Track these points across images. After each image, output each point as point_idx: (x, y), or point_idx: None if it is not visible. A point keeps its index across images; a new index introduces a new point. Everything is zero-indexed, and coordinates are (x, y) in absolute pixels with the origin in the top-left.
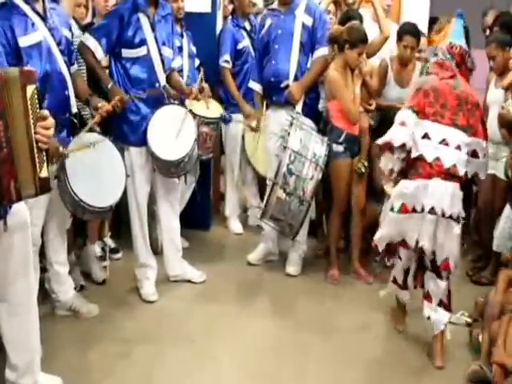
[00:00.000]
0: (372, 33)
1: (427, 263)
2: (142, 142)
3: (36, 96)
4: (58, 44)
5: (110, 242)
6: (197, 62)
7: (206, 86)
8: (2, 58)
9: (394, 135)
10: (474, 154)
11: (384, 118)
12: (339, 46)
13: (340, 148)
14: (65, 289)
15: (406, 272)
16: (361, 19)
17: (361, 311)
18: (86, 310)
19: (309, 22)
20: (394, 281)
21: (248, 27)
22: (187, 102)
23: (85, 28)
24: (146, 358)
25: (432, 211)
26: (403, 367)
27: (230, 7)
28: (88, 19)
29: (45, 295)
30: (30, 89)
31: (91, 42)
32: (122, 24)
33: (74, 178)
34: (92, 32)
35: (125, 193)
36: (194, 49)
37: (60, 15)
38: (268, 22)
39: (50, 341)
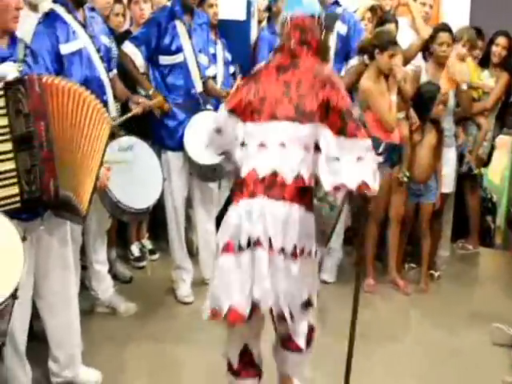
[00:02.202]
0: (409, 41)
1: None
2: (179, 146)
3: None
4: (98, 51)
5: (148, 244)
6: (231, 69)
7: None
8: (46, 63)
9: None
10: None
11: None
12: (370, 55)
13: (379, 159)
14: (104, 287)
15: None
16: (396, 24)
17: (394, 322)
18: (123, 309)
19: (343, 30)
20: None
21: None
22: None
23: (122, 36)
24: (180, 359)
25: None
26: (433, 379)
27: (266, 14)
28: (125, 27)
29: (85, 292)
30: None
31: (131, 49)
32: (160, 31)
33: (112, 180)
34: (132, 40)
35: (162, 196)
36: (228, 56)
37: (99, 23)
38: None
39: (90, 336)
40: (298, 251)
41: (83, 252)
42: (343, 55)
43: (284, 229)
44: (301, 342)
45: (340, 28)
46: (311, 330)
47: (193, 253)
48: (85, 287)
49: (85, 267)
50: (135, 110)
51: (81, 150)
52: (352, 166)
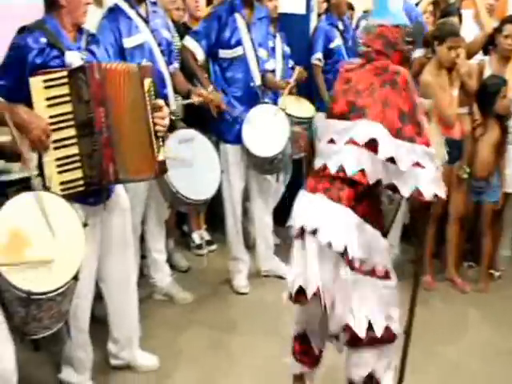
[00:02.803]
0: (473, 34)
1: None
2: (237, 139)
3: (152, 88)
4: (159, 45)
5: (206, 235)
6: (290, 62)
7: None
8: (109, 56)
9: None
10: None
11: None
12: (431, 48)
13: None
14: (162, 275)
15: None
16: (460, 16)
17: (451, 321)
18: (180, 297)
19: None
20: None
21: (341, 27)
22: (280, 101)
23: (180, 30)
24: (234, 348)
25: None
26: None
27: (325, 5)
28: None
29: (144, 280)
30: (147, 82)
31: (192, 43)
32: (220, 25)
33: (171, 170)
34: (192, 34)
35: (220, 188)
36: (287, 49)
37: (160, 17)
38: (362, 23)
39: (148, 323)
40: (350, 257)
41: (143, 241)
42: None
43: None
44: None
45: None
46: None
47: (249, 245)
48: (143, 275)
49: (144, 256)
50: (195, 98)
51: (135, 130)
52: (407, 170)
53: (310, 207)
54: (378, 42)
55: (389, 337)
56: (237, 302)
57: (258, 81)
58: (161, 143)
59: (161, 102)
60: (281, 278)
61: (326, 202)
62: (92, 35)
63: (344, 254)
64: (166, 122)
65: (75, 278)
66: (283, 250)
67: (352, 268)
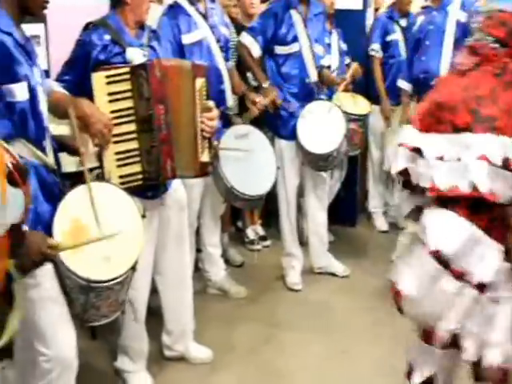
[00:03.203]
0: None
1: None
2: (292, 135)
3: (204, 88)
4: (217, 41)
5: (260, 230)
6: (346, 59)
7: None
8: (168, 53)
9: None
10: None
11: None
12: None
13: None
14: (216, 269)
15: None
16: None
17: None
18: (234, 291)
19: (464, 18)
20: None
21: (403, 23)
22: (335, 98)
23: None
24: (286, 346)
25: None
26: None
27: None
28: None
29: (199, 274)
30: (200, 81)
31: (248, 40)
32: (276, 21)
33: (227, 166)
34: (249, 30)
35: (275, 184)
36: (343, 46)
37: (219, 14)
38: (420, 18)
39: (201, 316)
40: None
41: (198, 235)
42: (463, 43)
43: None
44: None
45: (460, 16)
46: None
47: (303, 241)
48: (198, 269)
49: (199, 250)
50: (252, 111)
51: (185, 128)
52: None
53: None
54: (499, 29)
55: None
56: (289, 299)
57: (313, 77)
58: (206, 144)
59: (211, 103)
60: (334, 275)
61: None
62: (153, 31)
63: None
64: (215, 123)
65: (133, 268)
66: (337, 247)
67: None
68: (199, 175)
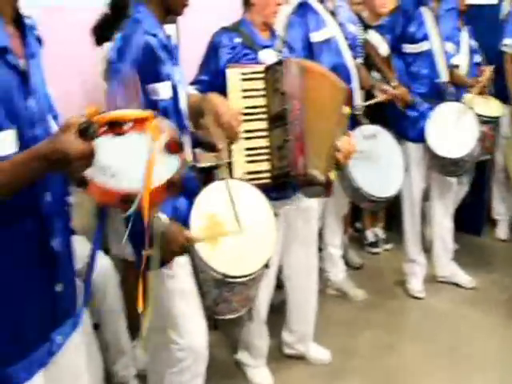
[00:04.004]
0: None
1: None
2: (420, 137)
3: (347, 115)
4: (346, 39)
5: (381, 233)
6: (477, 58)
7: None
8: (297, 51)
9: None
10: None
11: None
12: None
13: None
14: (336, 270)
15: None
16: None
17: None
18: (353, 294)
19: None
20: None
21: None
22: (466, 99)
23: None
24: (406, 355)
25: None
26: None
27: None
28: None
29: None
30: (346, 108)
31: (376, 37)
32: (406, 19)
33: (354, 166)
34: (377, 28)
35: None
36: (474, 44)
37: (346, 11)
38: None
39: (320, 316)
40: None
41: (320, 235)
42: None
43: None
44: None
45: None
46: None
47: (426, 247)
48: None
49: (319, 249)
50: (380, 96)
51: (325, 131)
52: None
53: None
54: None
55: None
56: (410, 306)
57: (444, 77)
58: (334, 163)
59: (351, 132)
60: (458, 285)
61: None
62: (285, 42)
63: None
64: (351, 150)
65: (266, 265)
66: (462, 256)
67: None
68: (325, 190)
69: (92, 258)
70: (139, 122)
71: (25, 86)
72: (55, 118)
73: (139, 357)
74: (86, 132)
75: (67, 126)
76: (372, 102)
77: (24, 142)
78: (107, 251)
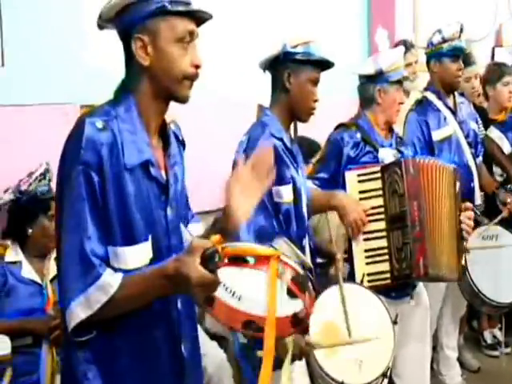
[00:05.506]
0: None
1: None
2: None
3: (460, 190)
4: (466, 137)
5: (499, 335)
6: None
7: None
8: (416, 149)
9: None
10: None
11: None
12: None
13: None
14: (452, 373)
15: None
16: None
17: None
18: None
19: None
20: None
21: None
22: None
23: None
24: None
25: None
26: None
27: None
28: None
29: (431, 374)
30: (458, 184)
31: (497, 134)
32: None
33: (474, 269)
34: (497, 125)
35: None
36: None
37: (467, 108)
38: None
39: None
40: None
41: (434, 335)
42: None
43: None
44: None
45: None
46: None
47: None
48: (432, 369)
49: (434, 349)
50: (505, 212)
51: (445, 228)
52: None
53: None
54: None
55: None
56: None
57: None
58: (464, 246)
59: (469, 204)
60: None
61: None
62: (400, 138)
63: None
64: (472, 223)
65: (384, 374)
66: None
67: None
68: (460, 279)
69: None
70: (262, 260)
71: (164, 196)
72: (189, 219)
73: None
74: (210, 260)
75: (193, 249)
76: (497, 219)
77: (159, 252)
78: None
